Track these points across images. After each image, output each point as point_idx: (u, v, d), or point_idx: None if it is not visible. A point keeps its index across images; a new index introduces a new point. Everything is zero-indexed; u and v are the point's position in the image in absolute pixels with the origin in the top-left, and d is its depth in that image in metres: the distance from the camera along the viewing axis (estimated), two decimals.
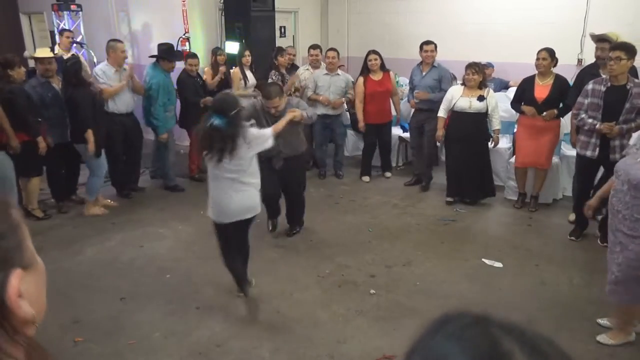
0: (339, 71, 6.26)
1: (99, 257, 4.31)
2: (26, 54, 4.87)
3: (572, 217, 4.80)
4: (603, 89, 4.10)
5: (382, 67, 5.95)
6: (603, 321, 3.28)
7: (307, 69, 6.52)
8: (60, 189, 5.34)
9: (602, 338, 3.12)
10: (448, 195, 5.51)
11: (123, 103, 5.53)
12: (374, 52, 5.93)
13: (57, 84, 5.04)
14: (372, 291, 3.72)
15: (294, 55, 6.99)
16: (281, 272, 4.01)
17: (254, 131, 3.27)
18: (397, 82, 6.73)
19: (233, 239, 3.41)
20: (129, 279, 3.93)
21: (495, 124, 5.17)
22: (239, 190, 3.24)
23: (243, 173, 3.23)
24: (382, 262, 4.17)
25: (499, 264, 4.12)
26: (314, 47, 6.47)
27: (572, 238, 4.55)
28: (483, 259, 4.20)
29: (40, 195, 5.42)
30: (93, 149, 4.89)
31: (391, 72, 6.05)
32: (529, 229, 4.86)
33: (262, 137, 3.29)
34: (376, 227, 4.88)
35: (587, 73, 4.74)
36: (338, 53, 6.21)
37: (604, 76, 4.26)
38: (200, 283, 3.87)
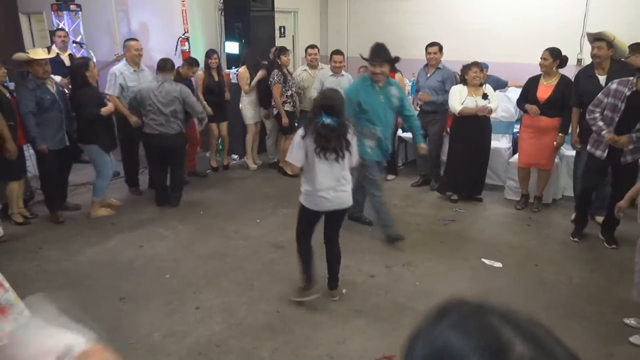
0: (343, 72, 6.26)
1: (99, 257, 4.30)
2: (16, 56, 4.73)
3: (574, 216, 4.76)
4: (628, 92, 3.93)
5: (391, 67, 5.91)
6: (630, 321, 3.25)
7: (305, 70, 6.50)
8: (54, 197, 5.08)
9: (635, 339, 3.09)
10: (440, 190, 5.56)
11: None
12: None
13: (51, 86, 4.83)
14: (371, 291, 3.72)
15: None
16: (281, 272, 4.01)
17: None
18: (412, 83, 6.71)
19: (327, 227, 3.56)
20: (129, 279, 3.93)
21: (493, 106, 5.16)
22: (343, 183, 3.40)
23: (345, 168, 3.40)
24: (382, 262, 4.17)
25: (498, 264, 4.12)
26: (312, 46, 6.46)
27: (575, 239, 4.51)
28: (483, 259, 4.20)
29: (39, 195, 5.41)
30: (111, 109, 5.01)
31: (398, 74, 5.97)
32: (528, 228, 4.86)
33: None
34: (376, 227, 4.87)
35: (583, 74, 4.69)
36: (344, 56, 6.22)
37: (631, 78, 3.99)
38: (200, 283, 3.86)
